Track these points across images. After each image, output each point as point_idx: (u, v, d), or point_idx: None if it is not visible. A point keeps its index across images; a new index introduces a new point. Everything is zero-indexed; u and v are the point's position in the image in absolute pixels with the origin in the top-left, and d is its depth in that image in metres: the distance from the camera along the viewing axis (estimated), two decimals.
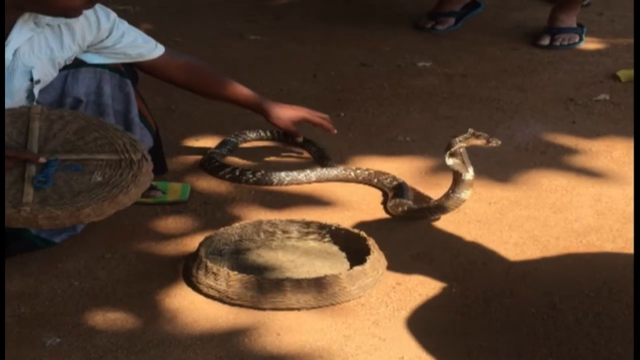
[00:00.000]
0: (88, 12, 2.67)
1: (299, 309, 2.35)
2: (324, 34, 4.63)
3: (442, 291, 2.44)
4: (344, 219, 2.78)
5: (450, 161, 2.73)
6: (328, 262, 2.57)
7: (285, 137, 3.34)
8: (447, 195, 2.76)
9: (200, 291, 2.42)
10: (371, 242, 2.53)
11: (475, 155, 3.22)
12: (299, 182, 3.05)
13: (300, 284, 2.35)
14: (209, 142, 3.31)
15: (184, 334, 2.28)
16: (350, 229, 2.64)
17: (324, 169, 3.08)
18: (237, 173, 3.06)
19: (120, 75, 2.81)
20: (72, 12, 2.56)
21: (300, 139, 3.23)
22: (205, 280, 2.41)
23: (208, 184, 3.04)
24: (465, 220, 2.80)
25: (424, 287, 2.46)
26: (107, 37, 2.75)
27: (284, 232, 2.69)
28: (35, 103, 2.63)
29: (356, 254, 2.54)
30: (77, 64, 2.75)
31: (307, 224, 2.69)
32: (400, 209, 2.82)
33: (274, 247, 2.65)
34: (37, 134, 2.50)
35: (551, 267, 2.55)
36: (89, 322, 2.33)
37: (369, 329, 2.29)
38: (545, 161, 3.17)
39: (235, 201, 2.93)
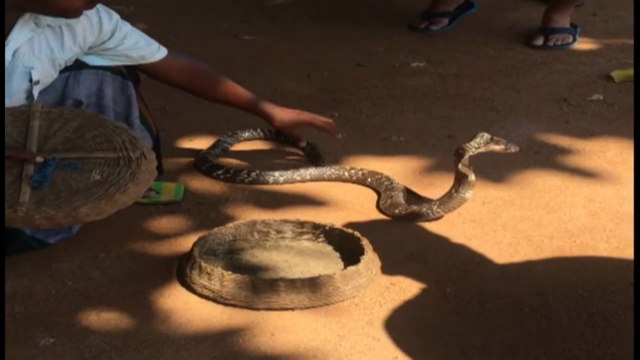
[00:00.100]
0: (90, 13, 2.67)
1: (293, 309, 2.35)
2: (318, 34, 4.64)
3: (436, 291, 2.44)
4: (338, 219, 2.78)
5: (459, 164, 2.74)
6: (322, 262, 2.57)
7: (278, 136, 3.34)
8: (450, 195, 2.77)
9: (194, 291, 2.42)
10: (365, 242, 2.53)
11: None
12: (294, 182, 3.05)
13: (294, 284, 2.35)
14: (203, 142, 3.31)
15: (177, 334, 2.28)
16: (344, 229, 2.64)
17: (319, 169, 3.08)
18: (232, 173, 3.06)
19: (123, 78, 2.80)
20: (72, 13, 2.55)
21: (303, 144, 3.21)
22: (199, 280, 2.41)
23: (202, 184, 3.04)
24: (459, 221, 2.80)
25: (418, 287, 2.46)
26: (109, 38, 2.74)
27: (278, 232, 2.69)
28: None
29: (350, 254, 2.54)
30: (78, 66, 2.74)
31: (301, 224, 2.69)
32: (397, 210, 2.82)
33: (268, 247, 2.65)
34: (36, 133, 2.49)
35: (545, 267, 2.55)
36: (83, 322, 2.33)
37: (362, 329, 2.29)
38: (539, 161, 3.18)
39: (229, 201, 2.93)
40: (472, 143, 2.77)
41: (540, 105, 3.73)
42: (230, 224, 2.67)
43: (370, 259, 2.48)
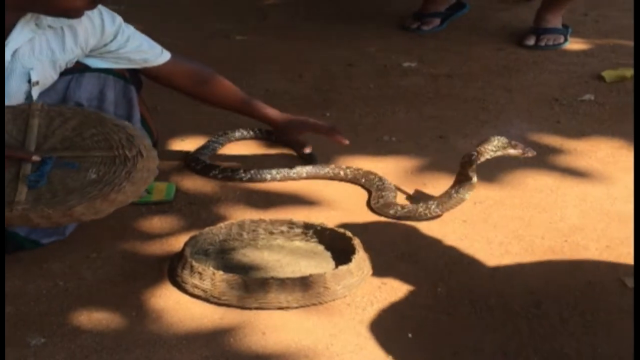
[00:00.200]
0: (93, 15, 2.66)
1: (284, 309, 2.35)
2: (310, 35, 4.64)
3: (428, 291, 2.44)
4: (330, 219, 2.78)
5: (471, 167, 2.75)
6: (314, 262, 2.57)
7: (269, 135, 3.35)
8: (449, 195, 2.77)
9: (185, 291, 2.42)
10: (356, 241, 2.53)
11: (460, 156, 3.24)
12: (291, 179, 3.06)
13: (285, 284, 2.35)
14: (195, 141, 3.31)
15: (169, 333, 2.28)
16: (336, 228, 2.64)
17: (315, 167, 3.08)
18: (229, 172, 3.06)
19: (125, 82, 2.79)
20: (73, 13, 2.54)
21: (308, 150, 3.12)
22: (191, 280, 2.41)
23: (193, 183, 3.04)
24: (451, 220, 2.80)
25: (409, 287, 2.46)
26: (111, 41, 2.73)
27: (270, 231, 2.68)
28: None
29: (342, 254, 2.54)
30: (81, 69, 2.73)
31: (293, 224, 2.69)
32: (392, 210, 2.82)
33: (259, 247, 2.65)
34: (35, 132, 2.48)
35: (536, 267, 2.55)
36: (74, 322, 2.32)
37: (354, 328, 2.29)
38: (530, 161, 3.16)
39: (221, 201, 2.93)
40: (489, 146, 2.76)
41: (531, 105, 3.74)
42: (222, 224, 2.67)
43: (361, 259, 2.48)
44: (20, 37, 2.57)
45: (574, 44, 4.48)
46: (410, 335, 2.26)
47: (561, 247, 2.65)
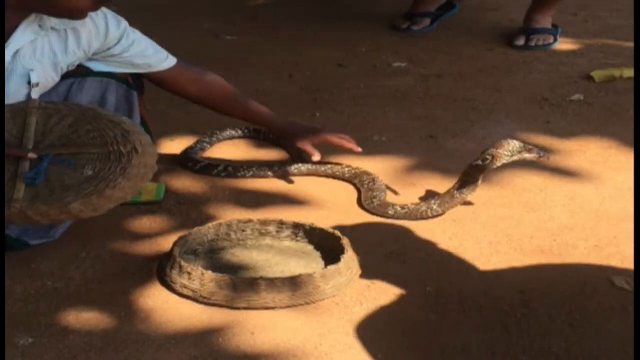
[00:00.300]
0: (97, 19, 2.66)
1: (273, 308, 2.34)
2: (299, 34, 4.64)
3: (416, 290, 2.44)
4: (319, 218, 2.78)
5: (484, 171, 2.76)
6: (303, 261, 2.57)
7: (257, 133, 3.35)
8: (451, 195, 2.79)
9: (174, 290, 2.42)
10: (345, 241, 2.53)
11: (450, 155, 3.25)
12: (292, 175, 3.07)
13: (274, 283, 2.35)
14: (184, 141, 3.31)
15: (157, 333, 2.28)
16: (325, 228, 2.63)
17: (314, 164, 3.08)
18: (231, 170, 3.08)
19: (127, 87, 2.79)
20: (77, 14, 2.54)
21: (316, 158, 3.04)
22: (179, 280, 2.40)
23: (183, 183, 3.04)
24: (440, 220, 2.80)
25: (398, 286, 2.46)
26: (115, 45, 2.72)
27: (259, 231, 2.68)
28: None
29: (331, 253, 2.54)
30: (84, 73, 2.73)
31: (282, 223, 2.68)
32: (391, 210, 2.82)
33: (248, 247, 2.65)
34: (33, 129, 2.49)
35: (525, 266, 2.56)
36: (62, 321, 2.32)
37: (343, 327, 2.29)
38: (519, 160, 3.18)
39: (210, 201, 2.93)
40: (503, 151, 2.75)
41: (521, 105, 3.74)
42: (211, 224, 2.67)
43: (350, 258, 2.48)
44: (22, 38, 2.56)
45: (564, 44, 4.49)
46: (399, 334, 2.26)
47: (550, 247, 2.65)
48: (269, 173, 3.07)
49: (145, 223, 2.79)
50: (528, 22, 4.52)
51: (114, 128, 2.49)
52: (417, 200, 2.89)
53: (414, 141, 3.39)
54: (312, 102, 3.75)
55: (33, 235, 2.61)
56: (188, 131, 3.39)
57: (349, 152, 3.11)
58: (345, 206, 2.91)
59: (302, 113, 3.59)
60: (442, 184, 3.02)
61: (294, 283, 2.36)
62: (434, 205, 2.80)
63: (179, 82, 2.91)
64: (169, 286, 2.43)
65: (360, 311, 2.35)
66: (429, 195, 2.93)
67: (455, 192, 2.78)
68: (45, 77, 2.63)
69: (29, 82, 2.59)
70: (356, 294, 2.42)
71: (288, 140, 3.12)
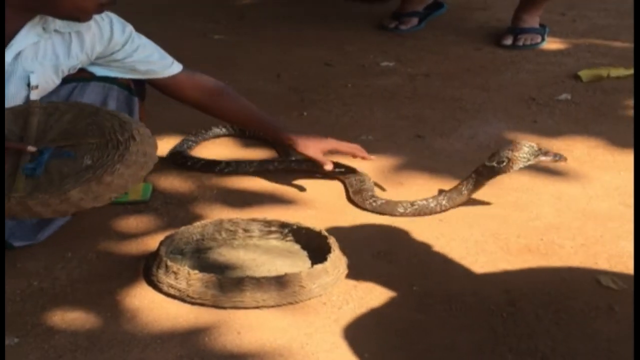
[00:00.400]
0: (103, 23, 2.66)
1: (259, 308, 2.34)
2: (287, 34, 4.64)
3: (403, 289, 2.44)
4: (306, 218, 2.77)
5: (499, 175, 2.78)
6: (289, 261, 2.57)
7: (243, 132, 3.36)
8: (459, 191, 2.81)
9: (160, 290, 2.41)
10: (332, 240, 2.53)
11: (438, 155, 3.25)
12: (292, 170, 3.09)
13: (260, 283, 2.35)
14: (171, 140, 3.30)
15: (144, 333, 2.27)
16: (312, 227, 2.63)
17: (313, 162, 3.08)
18: (234, 166, 3.10)
19: (129, 93, 2.79)
20: (82, 15, 2.54)
21: (329, 167, 2.98)
22: (166, 280, 2.40)
23: (170, 183, 3.03)
24: (427, 218, 2.80)
25: (385, 286, 2.45)
26: (119, 50, 2.72)
27: (246, 231, 2.68)
28: None
29: (317, 253, 2.53)
30: (86, 78, 2.73)
31: (269, 223, 2.68)
32: (400, 208, 2.81)
33: (235, 246, 2.65)
34: (35, 128, 2.49)
35: (511, 265, 2.56)
36: (48, 322, 2.31)
37: (329, 327, 2.29)
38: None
39: (197, 200, 2.93)
40: (520, 155, 2.75)
41: (508, 105, 3.75)
42: (198, 223, 2.66)
43: (337, 257, 2.48)
44: (25, 40, 2.56)
45: (551, 44, 4.50)
46: (385, 334, 2.26)
47: (537, 246, 2.66)
48: (270, 168, 3.09)
49: (132, 223, 2.79)
50: (516, 22, 4.53)
51: (111, 119, 2.49)
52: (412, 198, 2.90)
53: (401, 141, 3.39)
54: (299, 102, 3.75)
55: (19, 237, 2.59)
56: (174, 130, 3.38)
57: (336, 152, 3.10)
58: (333, 205, 2.91)
59: (290, 112, 3.59)
60: (429, 183, 3.03)
61: (280, 283, 2.36)
62: (443, 201, 2.80)
63: (184, 90, 2.90)
64: (155, 286, 2.42)
65: (347, 311, 2.35)
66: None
67: (464, 189, 2.79)
68: (45, 79, 2.63)
69: (28, 84, 2.58)
70: (343, 293, 2.42)
71: (298, 150, 3.00)
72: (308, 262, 2.56)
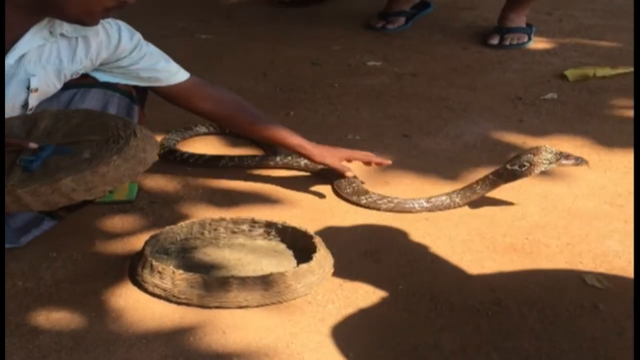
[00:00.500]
0: (111, 30, 2.66)
1: (245, 307, 2.34)
2: (274, 33, 4.64)
3: (389, 288, 2.44)
4: (292, 217, 2.77)
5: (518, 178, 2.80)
6: (275, 260, 2.57)
7: (223, 130, 3.36)
8: (472, 190, 2.83)
9: (145, 290, 2.40)
10: (318, 239, 2.53)
11: (424, 154, 3.25)
12: (292, 167, 3.11)
13: (246, 282, 2.34)
14: (157, 139, 3.29)
15: (129, 332, 2.26)
16: (297, 226, 2.63)
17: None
18: (237, 160, 3.13)
19: (130, 100, 2.78)
20: (88, 18, 2.53)
21: (350, 175, 2.95)
22: (151, 279, 2.39)
23: (156, 182, 3.03)
24: (413, 218, 2.80)
25: (370, 285, 2.45)
26: (125, 57, 2.72)
27: (231, 230, 2.67)
28: (30, 112, 2.61)
29: (303, 252, 2.53)
30: (89, 83, 2.72)
31: (255, 222, 2.68)
32: (417, 205, 2.82)
33: (220, 246, 2.64)
34: (41, 130, 2.49)
35: (497, 264, 2.56)
36: (33, 322, 2.30)
37: (315, 326, 2.28)
38: (493, 159, 3.19)
39: (183, 200, 2.92)
40: (540, 158, 2.76)
41: (495, 104, 3.76)
42: (183, 223, 2.66)
43: (322, 257, 2.48)
44: (30, 43, 2.55)
45: (538, 43, 4.51)
46: (371, 333, 2.26)
47: (522, 245, 2.66)
48: (270, 163, 3.12)
49: (117, 222, 2.78)
50: (502, 21, 4.54)
51: (115, 120, 2.50)
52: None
53: (388, 140, 3.39)
54: (286, 101, 3.75)
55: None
56: (159, 129, 3.37)
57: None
58: (319, 205, 2.91)
59: (277, 112, 3.59)
60: (416, 183, 3.03)
61: (265, 282, 2.35)
62: (456, 198, 2.81)
63: (189, 98, 2.87)
64: (140, 286, 2.42)
65: (333, 310, 2.35)
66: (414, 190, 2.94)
67: (478, 188, 2.80)
68: (46, 83, 2.62)
69: (28, 87, 2.57)
70: (328, 292, 2.41)
71: (316, 161, 2.98)
72: (294, 262, 2.56)
